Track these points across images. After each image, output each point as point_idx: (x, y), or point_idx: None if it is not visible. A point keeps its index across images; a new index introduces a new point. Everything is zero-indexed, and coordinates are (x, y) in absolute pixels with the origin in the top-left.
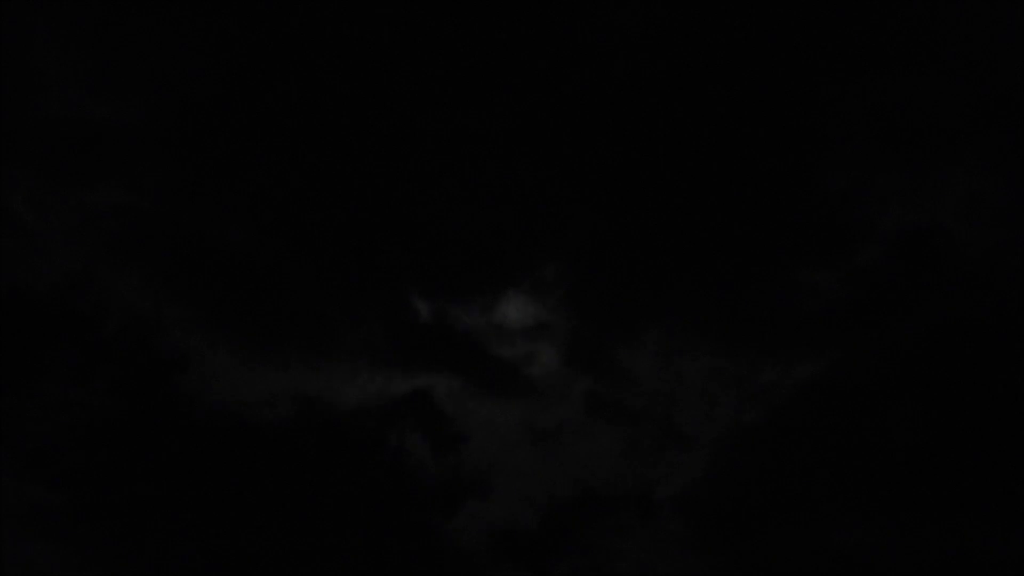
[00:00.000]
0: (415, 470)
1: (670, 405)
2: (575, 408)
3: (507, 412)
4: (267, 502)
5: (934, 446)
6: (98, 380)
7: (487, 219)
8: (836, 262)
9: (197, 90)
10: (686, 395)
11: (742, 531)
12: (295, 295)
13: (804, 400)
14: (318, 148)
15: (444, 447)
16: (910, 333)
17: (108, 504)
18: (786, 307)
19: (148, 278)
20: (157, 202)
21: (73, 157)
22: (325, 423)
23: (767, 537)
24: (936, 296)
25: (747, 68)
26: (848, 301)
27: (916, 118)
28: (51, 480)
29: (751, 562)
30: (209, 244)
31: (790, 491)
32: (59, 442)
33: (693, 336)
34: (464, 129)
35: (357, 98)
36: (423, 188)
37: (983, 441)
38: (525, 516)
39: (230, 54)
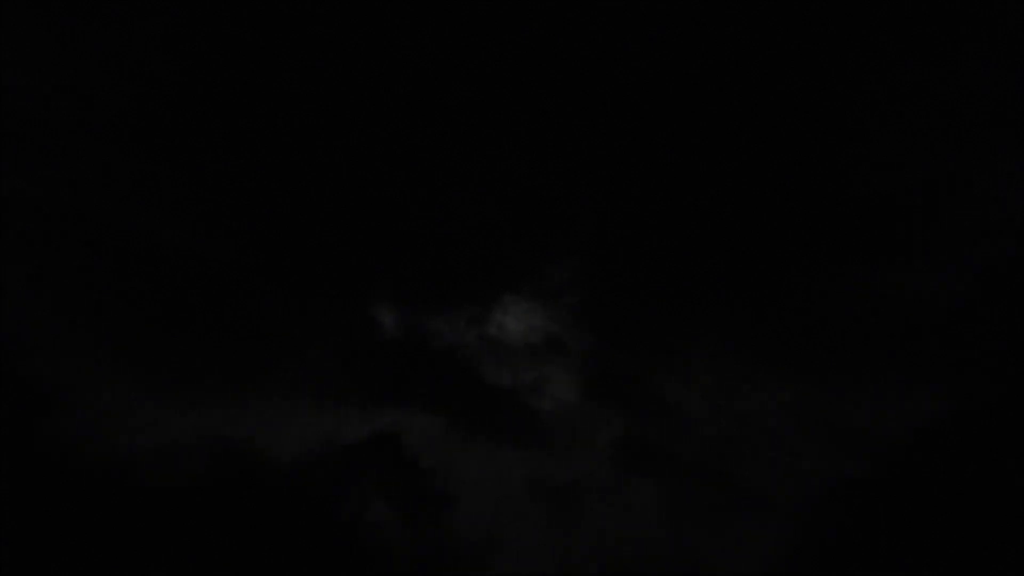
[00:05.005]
0: (381, 544)
1: (731, 455)
2: (600, 457)
3: (507, 463)
4: None
5: None
6: None
7: (474, 205)
8: (954, 259)
9: (107, 66)
10: (753, 441)
11: None
12: (213, 307)
13: (921, 449)
14: (250, 122)
15: (421, 512)
16: None
17: None
18: (890, 322)
19: (11, 287)
20: (31, 188)
21: None
22: (253, 478)
23: None
24: None
25: (803, 46)
26: (978, 311)
27: None
28: None
29: None
30: (99, 241)
31: (903, 572)
32: None
33: (759, 361)
34: (441, 108)
35: (309, 71)
36: (388, 169)
37: None
38: None
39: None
